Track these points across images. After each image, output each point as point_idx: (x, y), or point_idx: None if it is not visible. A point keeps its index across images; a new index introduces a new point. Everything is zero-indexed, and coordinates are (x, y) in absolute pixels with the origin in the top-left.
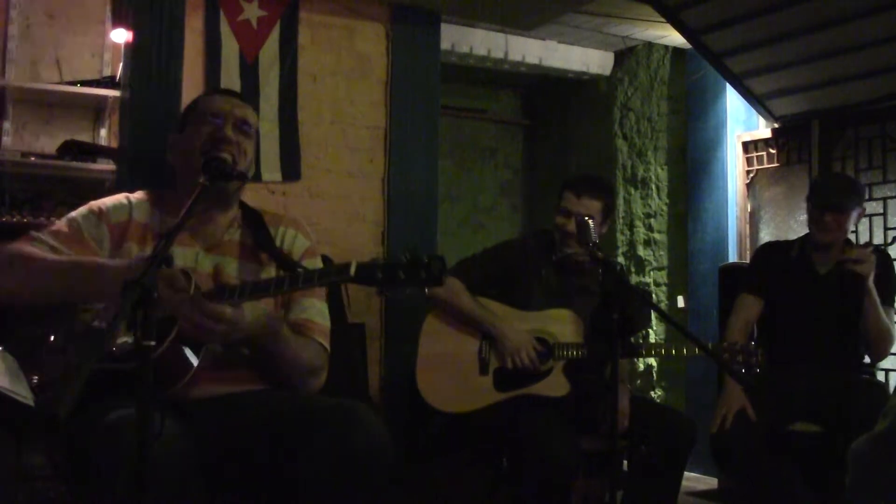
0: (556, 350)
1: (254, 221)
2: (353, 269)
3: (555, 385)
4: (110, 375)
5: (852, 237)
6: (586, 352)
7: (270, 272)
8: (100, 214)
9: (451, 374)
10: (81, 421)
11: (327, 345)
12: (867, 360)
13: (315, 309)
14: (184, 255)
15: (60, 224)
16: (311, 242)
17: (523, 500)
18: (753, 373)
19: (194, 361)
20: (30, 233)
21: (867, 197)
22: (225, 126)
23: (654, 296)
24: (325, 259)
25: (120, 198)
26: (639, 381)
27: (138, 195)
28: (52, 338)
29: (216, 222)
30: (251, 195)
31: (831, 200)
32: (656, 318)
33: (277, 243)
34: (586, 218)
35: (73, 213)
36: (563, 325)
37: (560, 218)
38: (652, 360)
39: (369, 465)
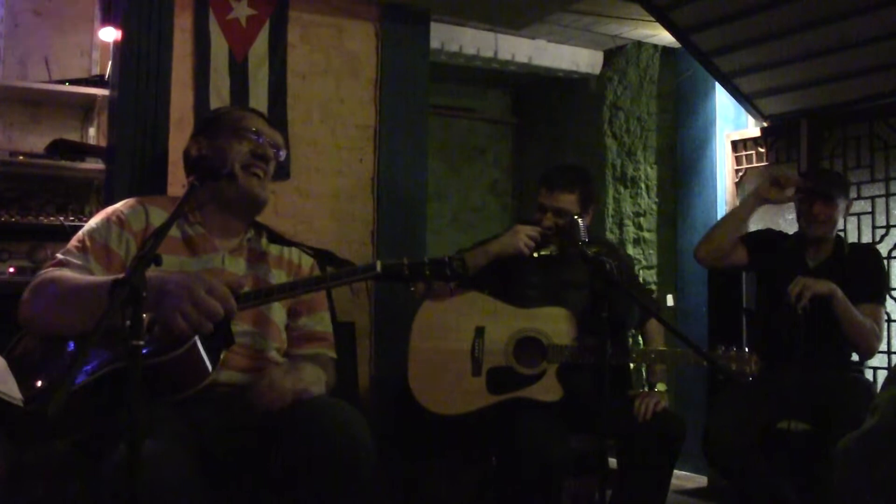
0: (550, 352)
1: (260, 226)
2: (379, 268)
3: (548, 389)
4: (123, 377)
5: (842, 235)
6: (580, 355)
7: (276, 274)
8: (121, 223)
9: (443, 374)
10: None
11: (335, 354)
12: (856, 358)
13: (326, 320)
14: (212, 258)
15: (83, 238)
16: (313, 260)
17: (515, 498)
18: (746, 381)
19: (210, 368)
20: (56, 256)
21: (855, 195)
22: (265, 145)
23: None
24: (328, 253)
25: (134, 203)
26: None
27: (153, 200)
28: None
29: (235, 227)
30: None
31: (820, 189)
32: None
33: (286, 256)
34: (575, 217)
35: (93, 224)
36: (556, 323)
37: (537, 214)
38: None
39: (349, 461)
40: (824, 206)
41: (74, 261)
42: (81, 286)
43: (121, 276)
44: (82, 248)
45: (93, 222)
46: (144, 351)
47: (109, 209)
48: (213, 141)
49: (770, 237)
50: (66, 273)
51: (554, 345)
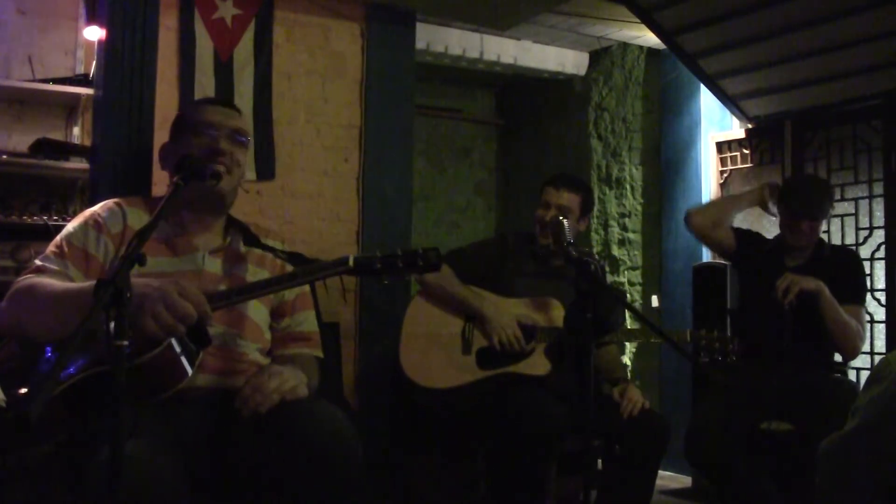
0: (538, 333)
1: (241, 228)
2: (351, 262)
3: (536, 364)
4: (102, 380)
5: (823, 237)
6: (568, 335)
7: (257, 274)
8: (98, 227)
9: (434, 351)
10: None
11: (321, 353)
12: (839, 358)
13: (311, 319)
14: (191, 258)
15: (61, 243)
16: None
17: (511, 473)
18: (729, 360)
19: (189, 370)
20: (34, 262)
21: (839, 197)
22: (219, 138)
23: (628, 295)
24: (298, 255)
25: (111, 206)
26: None
27: (130, 201)
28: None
29: (212, 227)
30: None
31: (809, 209)
32: (631, 318)
33: (268, 255)
34: (560, 218)
35: (70, 229)
36: (545, 311)
37: (540, 210)
38: (626, 359)
39: (336, 462)
40: (810, 223)
41: (52, 266)
42: (61, 292)
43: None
44: (60, 254)
45: (70, 227)
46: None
47: (87, 212)
48: (175, 142)
49: (755, 238)
50: (45, 280)
51: (542, 327)
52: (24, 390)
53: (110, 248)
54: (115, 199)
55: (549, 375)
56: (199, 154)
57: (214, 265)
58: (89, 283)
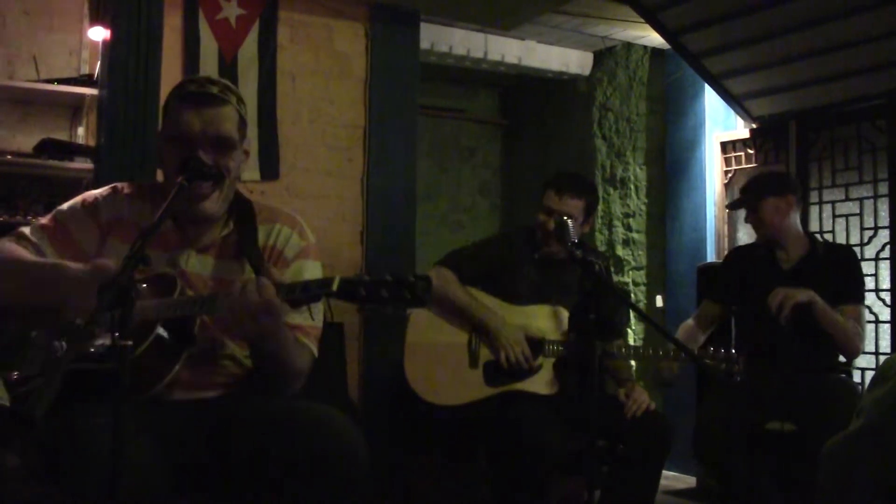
0: (546, 347)
1: (244, 217)
2: (335, 285)
3: (545, 382)
4: (87, 376)
5: (828, 237)
6: (577, 351)
7: (251, 273)
8: (90, 210)
9: (440, 365)
10: (55, 424)
11: (316, 349)
12: (843, 359)
13: (306, 313)
14: (175, 257)
15: (48, 218)
16: (308, 243)
17: (512, 462)
18: (734, 381)
19: (169, 368)
20: (18, 229)
21: (843, 197)
22: (196, 152)
23: (632, 295)
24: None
25: (111, 191)
26: None
27: (129, 188)
28: (33, 334)
29: (207, 222)
30: None
31: (735, 201)
32: (635, 318)
33: (270, 242)
34: (565, 218)
35: (64, 207)
36: (549, 321)
37: (542, 216)
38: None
39: (341, 472)
40: (749, 213)
41: (30, 237)
42: (27, 262)
43: (70, 263)
44: (44, 227)
45: (66, 204)
46: (92, 350)
47: (89, 193)
48: (160, 143)
49: (734, 258)
50: (16, 246)
51: (550, 340)
52: (15, 375)
53: (94, 233)
54: (121, 186)
55: (558, 391)
56: (179, 166)
57: (203, 264)
58: (58, 261)
